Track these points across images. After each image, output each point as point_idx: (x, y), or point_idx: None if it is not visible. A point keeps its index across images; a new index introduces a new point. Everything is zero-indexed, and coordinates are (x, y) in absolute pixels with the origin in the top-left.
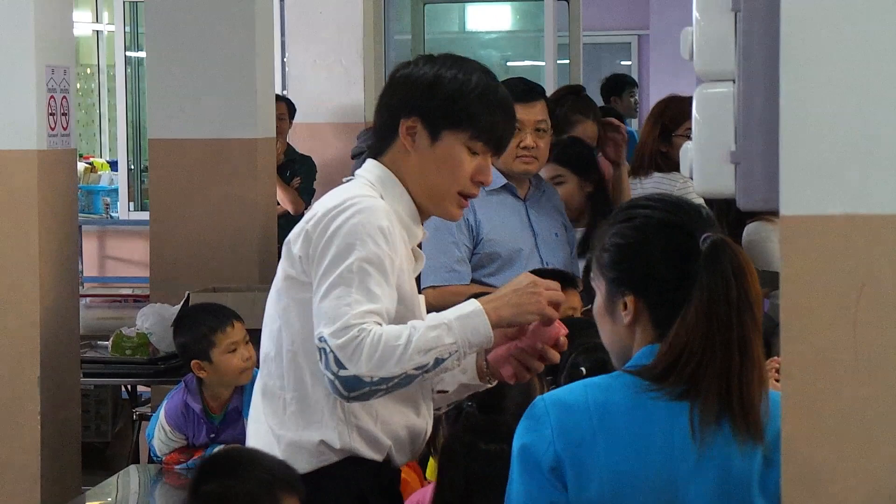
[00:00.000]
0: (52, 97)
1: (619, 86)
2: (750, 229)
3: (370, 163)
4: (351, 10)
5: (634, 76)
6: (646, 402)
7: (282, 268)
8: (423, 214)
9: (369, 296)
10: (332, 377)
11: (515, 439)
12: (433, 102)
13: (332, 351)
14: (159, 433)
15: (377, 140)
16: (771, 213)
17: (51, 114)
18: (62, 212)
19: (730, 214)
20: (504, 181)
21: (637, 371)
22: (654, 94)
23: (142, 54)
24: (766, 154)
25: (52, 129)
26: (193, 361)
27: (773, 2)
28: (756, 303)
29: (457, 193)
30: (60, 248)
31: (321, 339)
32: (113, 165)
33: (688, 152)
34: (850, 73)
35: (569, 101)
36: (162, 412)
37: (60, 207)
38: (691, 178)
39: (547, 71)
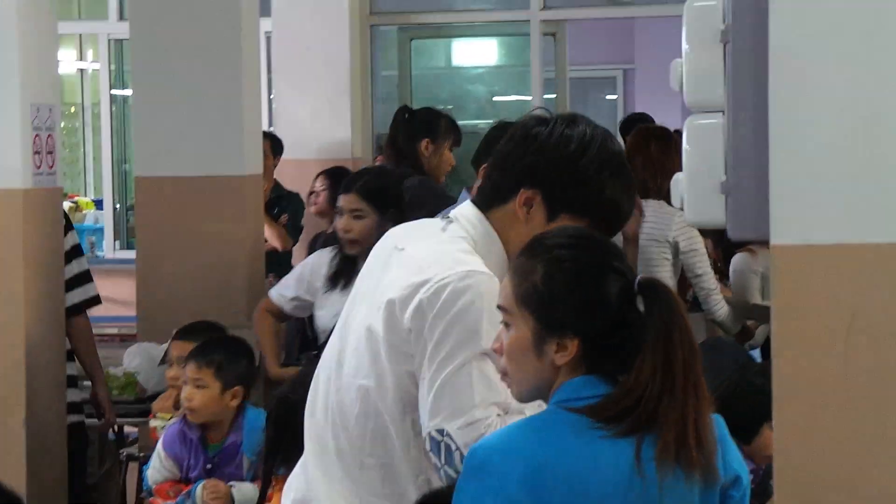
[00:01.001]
0: (37, 136)
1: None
2: (735, 260)
3: (474, 213)
4: (337, 46)
5: (619, 110)
6: (592, 440)
7: (383, 329)
8: None
9: (490, 387)
10: (453, 474)
11: (457, 492)
12: (561, 185)
13: (458, 449)
14: (154, 460)
15: (489, 190)
16: (758, 244)
17: (36, 152)
18: (47, 251)
19: (723, 243)
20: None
21: (581, 410)
22: None
23: (127, 92)
24: (756, 184)
25: (38, 168)
26: None
27: (761, 34)
28: (693, 340)
29: None
30: (46, 288)
31: (442, 432)
32: (98, 204)
33: (679, 183)
34: (838, 104)
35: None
36: (161, 439)
37: (46, 246)
38: (682, 209)
39: (533, 106)
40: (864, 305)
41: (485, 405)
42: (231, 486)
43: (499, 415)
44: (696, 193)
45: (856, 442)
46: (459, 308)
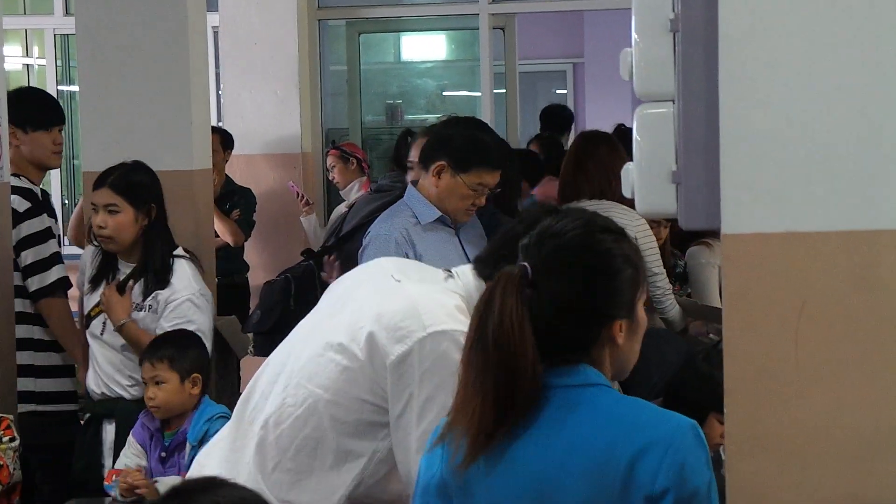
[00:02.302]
0: None
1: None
2: (692, 254)
3: (474, 279)
4: (285, 41)
5: (570, 104)
6: (526, 422)
7: (363, 353)
8: None
9: None
10: None
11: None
12: None
13: None
14: (125, 448)
15: (493, 263)
16: (712, 237)
17: None
18: None
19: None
20: (438, 213)
21: None
22: (589, 121)
23: (74, 88)
24: (707, 173)
25: None
26: None
27: (711, 23)
28: None
29: None
30: None
31: None
32: None
33: (629, 173)
34: (789, 93)
35: None
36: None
37: None
38: (633, 199)
39: (483, 100)
40: (815, 293)
41: None
42: (155, 481)
43: None
44: (646, 183)
45: (806, 429)
46: (451, 366)
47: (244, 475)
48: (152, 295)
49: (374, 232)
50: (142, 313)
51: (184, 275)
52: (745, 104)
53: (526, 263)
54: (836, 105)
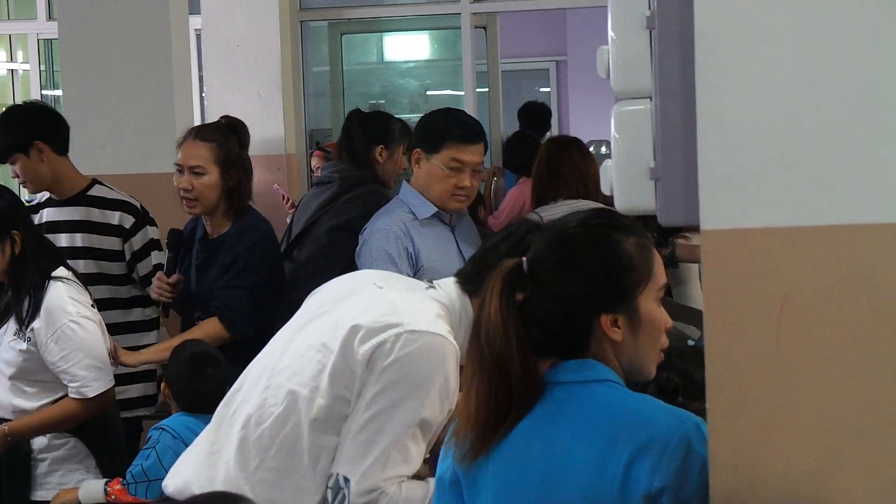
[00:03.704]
0: None
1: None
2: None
3: (456, 291)
4: (268, 43)
5: (553, 101)
6: (532, 419)
7: (338, 350)
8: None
9: (407, 458)
10: None
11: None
12: None
13: (347, 499)
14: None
15: (474, 277)
16: (689, 232)
17: None
18: None
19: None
20: (434, 209)
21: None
22: (573, 118)
23: (58, 92)
24: (685, 169)
25: None
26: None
27: (687, 19)
28: None
29: None
30: None
31: (345, 479)
32: None
33: (608, 170)
34: (766, 88)
35: None
36: None
37: None
38: (612, 196)
39: (466, 99)
40: (796, 288)
41: (391, 480)
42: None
43: (402, 482)
44: (625, 180)
45: (788, 425)
46: (416, 367)
47: (222, 475)
48: (29, 328)
49: (371, 227)
50: (24, 345)
51: (55, 300)
52: (722, 100)
53: (524, 257)
54: (813, 100)
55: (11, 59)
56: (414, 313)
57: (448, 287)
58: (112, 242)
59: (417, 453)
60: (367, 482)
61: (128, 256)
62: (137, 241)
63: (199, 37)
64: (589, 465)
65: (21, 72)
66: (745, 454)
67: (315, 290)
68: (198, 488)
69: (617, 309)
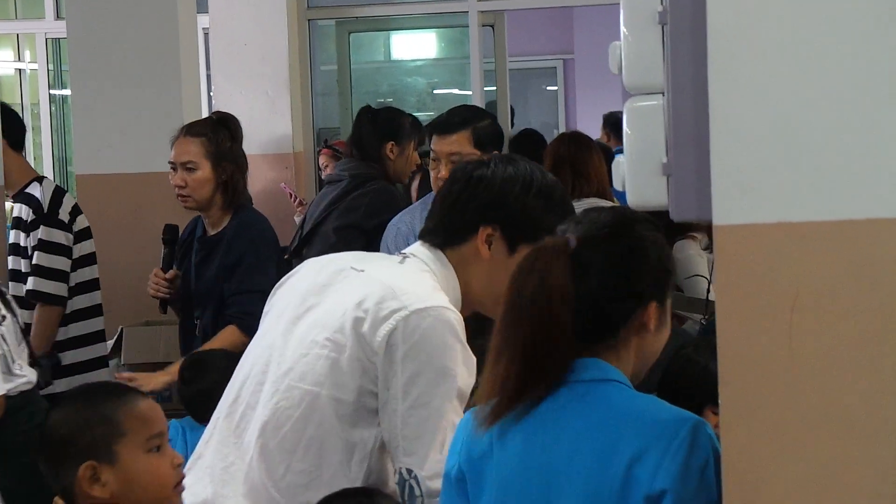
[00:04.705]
0: None
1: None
2: (678, 247)
3: (430, 252)
4: (275, 42)
5: (560, 100)
6: (535, 416)
7: (350, 343)
8: (465, 309)
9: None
10: None
11: None
12: (518, 218)
13: (421, 496)
14: None
15: (443, 232)
16: (696, 231)
17: None
18: None
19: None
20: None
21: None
22: (580, 117)
23: (66, 92)
24: (697, 165)
25: None
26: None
27: (700, 14)
28: None
29: None
30: None
31: (410, 473)
32: None
33: (620, 166)
34: (778, 83)
35: None
36: None
37: None
38: (624, 192)
39: (474, 98)
40: (808, 284)
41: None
42: None
43: None
44: (637, 176)
45: (800, 421)
46: (435, 344)
47: (245, 487)
48: None
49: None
50: None
51: None
52: (735, 95)
53: (569, 236)
54: (826, 94)
55: (19, 58)
56: (411, 291)
57: (420, 252)
58: (20, 237)
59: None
60: (432, 469)
61: (28, 251)
62: (32, 238)
63: (206, 36)
64: (591, 464)
65: (29, 71)
66: (757, 449)
67: (281, 283)
68: (227, 501)
69: (660, 301)
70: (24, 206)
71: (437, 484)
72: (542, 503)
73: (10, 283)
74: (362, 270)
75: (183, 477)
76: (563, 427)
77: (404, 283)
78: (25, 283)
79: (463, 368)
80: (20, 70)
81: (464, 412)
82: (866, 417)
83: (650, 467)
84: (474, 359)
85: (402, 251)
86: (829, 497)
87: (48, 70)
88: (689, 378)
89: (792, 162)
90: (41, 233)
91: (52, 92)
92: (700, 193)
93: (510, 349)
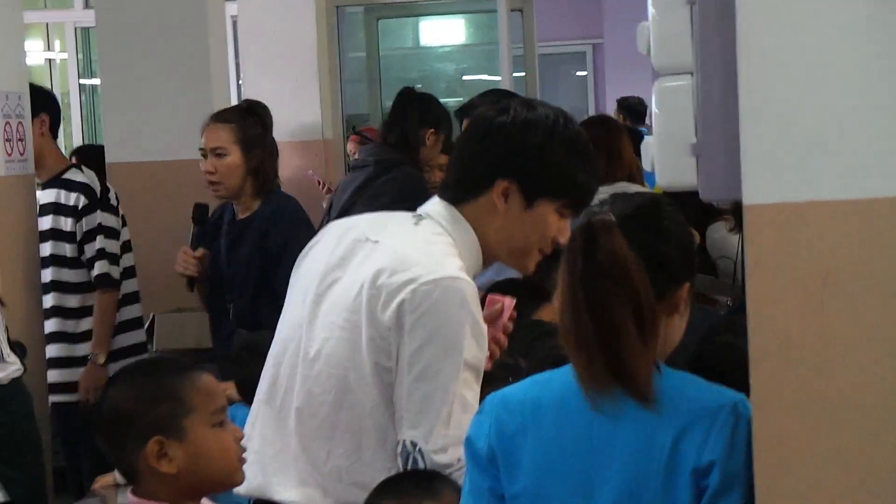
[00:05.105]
0: (7, 123)
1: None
2: (712, 229)
3: (445, 209)
4: (304, 29)
5: (590, 85)
6: (572, 396)
7: (365, 322)
8: (486, 262)
9: (466, 407)
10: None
11: (468, 430)
12: (536, 171)
13: (421, 460)
14: None
15: (458, 186)
16: (728, 214)
17: (7, 140)
18: (23, 238)
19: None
20: None
21: None
22: (610, 102)
23: (96, 81)
24: (726, 145)
25: (10, 155)
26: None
27: None
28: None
29: (537, 250)
30: (23, 277)
31: (412, 444)
32: None
33: (649, 146)
34: (808, 62)
35: None
36: None
37: (21, 234)
38: (653, 172)
39: (503, 83)
40: (839, 263)
41: (460, 437)
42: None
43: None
44: (666, 156)
45: (832, 401)
46: (443, 315)
47: (296, 476)
48: None
49: None
50: None
51: None
52: (764, 74)
53: (610, 213)
54: (856, 72)
55: (49, 48)
56: (423, 261)
57: (435, 210)
58: (67, 223)
59: (474, 399)
60: (438, 443)
61: (79, 237)
62: (87, 223)
63: (235, 23)
64: (634, 441)
65: (59, 61)
66: (788, 427)
67: (304, 254)
68: (279, 489)
69: (692, 282)
70: (68, 193)
71: (443, 458)
72: (583, 482)
73: (51, 268)
74: (377, 241)
75: (244, 451)
76: (603, 405)
77: (416, 253)
78: (71, 268)
79: (471, 341)
80: (50, 60)
81: (481, 391)
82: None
83: (697, 442)
84: (485, 329)
85: (419, 210)
86: (859, 474)
87: (77, 59)
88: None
89: (821, 141)
90: (100, 217)
91: (81, 81)
92: (729, 173)
93: (624, 329)
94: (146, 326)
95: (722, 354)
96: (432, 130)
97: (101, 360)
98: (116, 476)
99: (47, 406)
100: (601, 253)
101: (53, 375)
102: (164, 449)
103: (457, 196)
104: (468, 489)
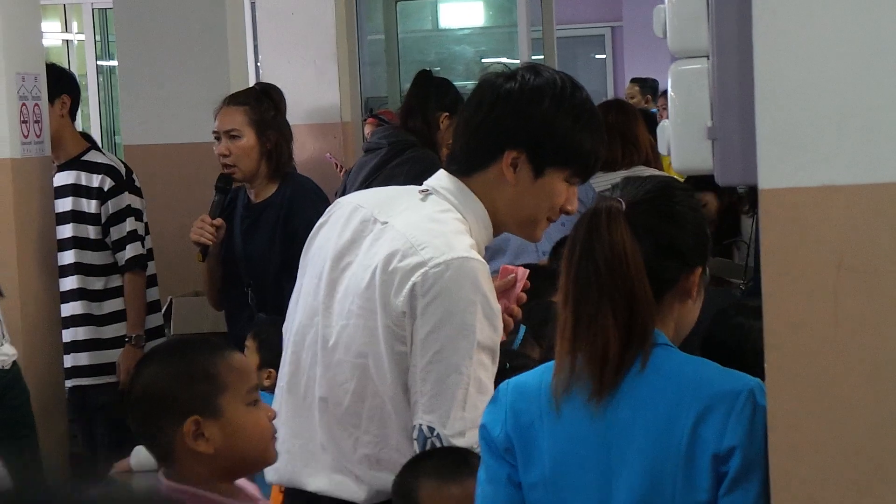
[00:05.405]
0: (24, 105)
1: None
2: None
3: (452, 182)
4: (323, 11)
5: (609, 68)
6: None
7: (379, 309)
8: (496, 233)
9: (481, 389)
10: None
11: (482, 418)
12: (545, 141)
13: (439, 444)
14: None
15: (466, 157)
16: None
17: (23, 121)
18: (39, 219)
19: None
20: None
21: None
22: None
23: (113, 63)
24: (742, 129)
25: (26, 137)
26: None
27: None
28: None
29: (545, 219)
30: (39, 257)
31: (433, 431)
32: None
33: (665, 130)
34: (823, 46)
35: None
36: None
37: (37, 215)
38: (669, 156)
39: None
40: (853, 247)
41: (476, 426)
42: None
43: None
44: (682, 140)
45: (847, 386)
46: (454, 297)
47: (326, 464)
48: None
49: None
50: None
51: None
52: (779, 58)
53: (620, 199)
54: (871, 57)
55: (66, 29)
56: (433, 242)
57: (442, 184)
58: (90, 205)
59: (489, 380)
60: (455, 427)
61: (103, 219)
62: (114, 205)
63: (253, 6)
64: (653, 428)
65: (76, 42)
66: (802, 412)
67: (313, 234)
68: (310, 479)
69: (704, 266)
70: (90, 174)
71: (461, 442)
72: (602, 470)
73: (73, 250)
74: (386, 222)
75: (276, 430)
76: (620, 393)
77: (426, 235)
78: (94, 251)
79: (483, 322)
80: (67, 41)
81: (496, 373)
82: None
83: (716, 427)
84: (498, 309)
85: (425, 184)
86: (874, 457)
87: (95, 41)
88: (730, 337)
89: (836, 125)
90: (128, 199)
91: (99, 63)
92: (745, 157)
93: (598, 321)
94: (164, 309)
95: (733, 336)
96: (447, 114)
97: (140, 342)
98: (131, 462)
99: (64, 390)
100: (600, 244)
101: (82, 358)
102: (201, 429)
103: (464, 168)
104: (485, 478)
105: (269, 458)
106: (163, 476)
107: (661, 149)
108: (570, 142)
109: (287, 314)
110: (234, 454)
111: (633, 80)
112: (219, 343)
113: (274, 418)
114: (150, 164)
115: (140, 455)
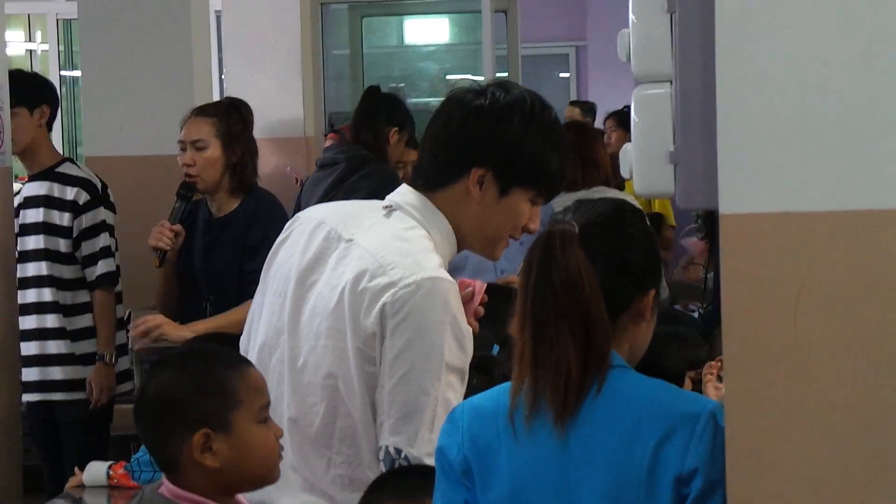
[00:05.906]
0: None
1: None
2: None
3: (417, 197)
4: (288, 25)
5: (573, 87)
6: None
7: (349, 330)
8: (458, 248)
9: (449, 411)
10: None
11: (438, 440)
12: (514, 160)
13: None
14: None
15: (432, 172)
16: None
17: None
18: None
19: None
20: None
21: None
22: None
23: (76, 73)
24: (704, 153)
25: None
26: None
27: (708, 2)
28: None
29: (506, 238)
30: None
31: (400, 452)
32: None
33: (627, 153)
34: (786, 72)
35: None
36: None
37: None
38: (631, 179)
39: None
40: (813, 274)
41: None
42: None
43: None
44: (645, 164)
45: (805, 410)
46: (424, 318)
47: (299, 484)
48: None
49: None
50: None
51: None
52: (742, 84)
53: (573, 222)
54: (834, 84)
55: (30, 39)
56: (401, 262)
57: (405, 200)
58: (63, 218)
59: (457, 400)
60: (423, 448)
61: (75, 233)
62: (88, 220)
63: (218, 18)
64: (613, 451)
65: (40, 52)
66: (762, 438)
67: (274, 250)
68: (280, 500)
69: (657, 289)
70: (63, 187)
71: (430, 461)
72: (562, 492)
73: (45, 262)
74: (350, 240)
75: (282, 449)
76: (579, 415)
77: (393, 254)
78: (66, 264)
79: (452, 343)
80: (31, 51)
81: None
82: (869, 405)
83: (679, 449)
84: (469, 330)
85: (388, 199)
86: (832, 484)
87: (59, 51)
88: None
89: (799, 151)
90: (103, 214)
91: (62, 73)
92: (707, 182)
93: (559, 338)
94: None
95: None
96: (395, 129)
97: (112, 359)
98: (84, 477)
99: (19, 403)
100: (556, 268)
101: (54, 373)
102: (210, 442)
103: (430, 183)
104: (440, 501)
105: (273, 477)
106: (167, 481)
107: (624, 172)
108: (538, 161)
109: (244, 331)
110: (239, 470)
111: (573, 103)
112: (237, 357)
113: (281, 437)
114: (113, 175)
115: (93, 470)
